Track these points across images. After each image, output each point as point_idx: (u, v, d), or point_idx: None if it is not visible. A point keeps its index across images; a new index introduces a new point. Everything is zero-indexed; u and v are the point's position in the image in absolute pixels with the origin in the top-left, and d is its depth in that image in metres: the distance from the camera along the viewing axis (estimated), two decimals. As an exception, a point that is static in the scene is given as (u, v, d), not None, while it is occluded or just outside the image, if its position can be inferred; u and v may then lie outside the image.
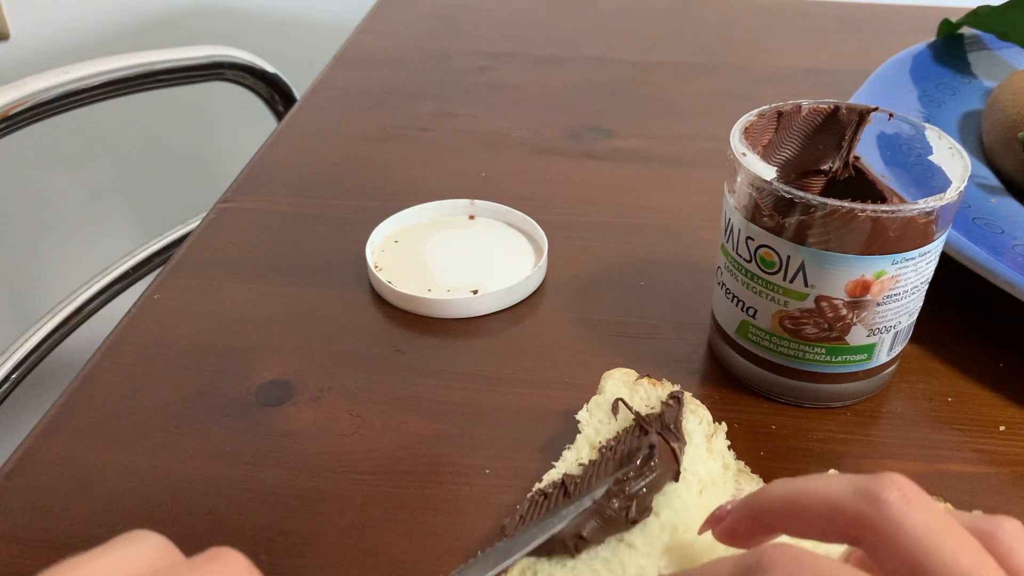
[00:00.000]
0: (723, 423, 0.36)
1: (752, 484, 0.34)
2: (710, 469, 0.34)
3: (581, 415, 0.36)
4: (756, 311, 0.38)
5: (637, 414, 0.34)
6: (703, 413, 0.36)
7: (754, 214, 0.36)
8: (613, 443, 0.33)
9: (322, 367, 0.42)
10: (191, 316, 0.45)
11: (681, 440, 0.33)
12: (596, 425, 0.35)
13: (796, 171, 0.41)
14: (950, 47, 0.62)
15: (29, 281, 1.24)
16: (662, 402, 0.35)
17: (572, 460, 0.34)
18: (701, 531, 0.28)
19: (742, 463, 0.35)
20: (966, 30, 0.63)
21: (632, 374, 0.37)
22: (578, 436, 0.35)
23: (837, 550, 0.28)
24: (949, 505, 0.32)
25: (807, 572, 0.22)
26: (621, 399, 0.35)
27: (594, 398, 0.37)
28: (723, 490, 0.34)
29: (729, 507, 0.27)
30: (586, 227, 0.53)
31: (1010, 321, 0.45)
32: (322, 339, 0.44)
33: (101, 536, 0.34)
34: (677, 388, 0.36)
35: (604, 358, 0.43)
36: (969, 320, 0.45)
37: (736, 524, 0.27)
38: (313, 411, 0.40)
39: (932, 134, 0.39)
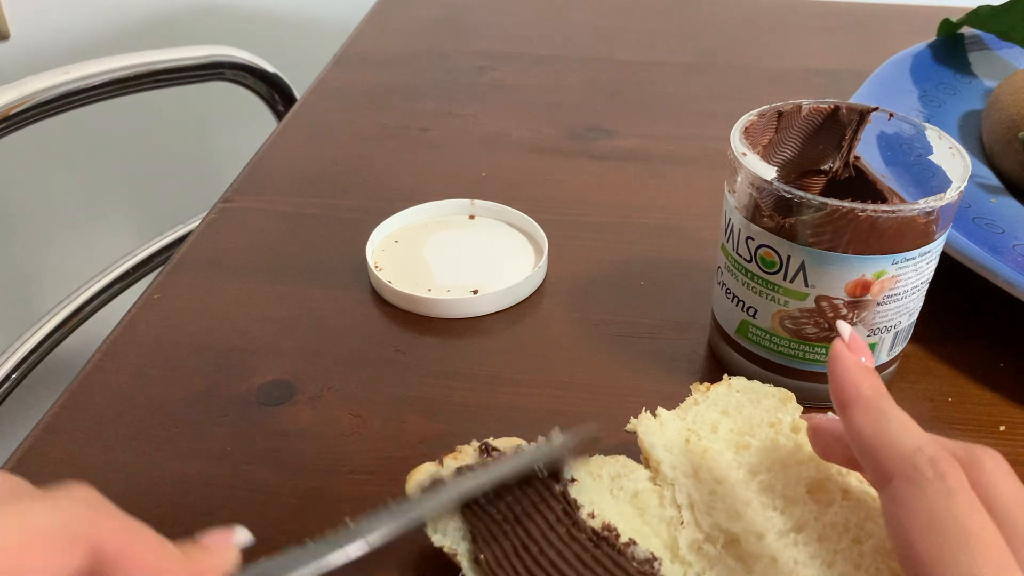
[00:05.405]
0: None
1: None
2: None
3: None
4: (756, 311, 0.38)
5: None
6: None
7: (754, 214, 0.36)
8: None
9: (322, 367, 0.42)
10: (191, 316, 0.45)
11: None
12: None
13: (796, 171, 0.41)
14: (950, 47, 0.62)
15: (29, 281, 1.24)
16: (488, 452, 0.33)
17: None
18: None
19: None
20: (966, 30, 0.63)
21: (431, 467, 0.33)
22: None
23: None
24: None
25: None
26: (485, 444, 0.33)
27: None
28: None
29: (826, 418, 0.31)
30: (586, 227, 0.53)
31: (1010, 321, 0.45)
32: (322, 339, 0.44)
33: (101, 536, 0.34)
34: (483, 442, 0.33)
35: (604, 358, 0.43)
36: (969, 320, 0.45)
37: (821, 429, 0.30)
38: (313, 411, 0.40)
39: (932, 134, 0.38)
